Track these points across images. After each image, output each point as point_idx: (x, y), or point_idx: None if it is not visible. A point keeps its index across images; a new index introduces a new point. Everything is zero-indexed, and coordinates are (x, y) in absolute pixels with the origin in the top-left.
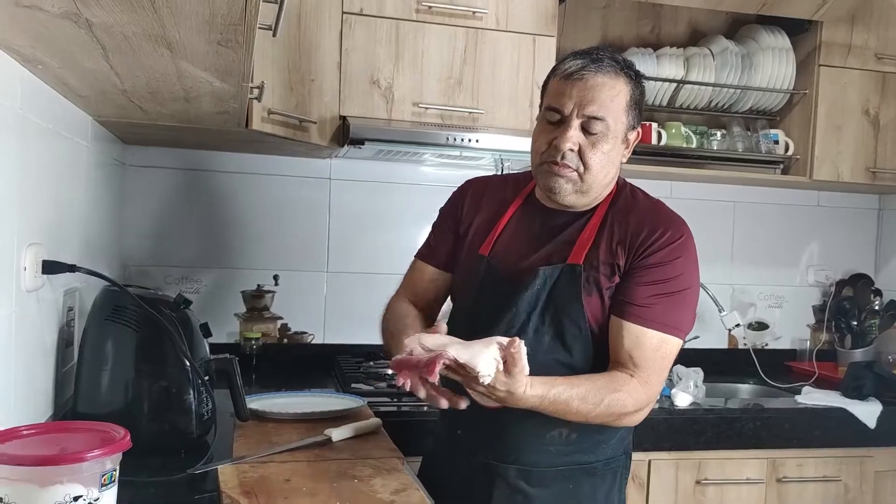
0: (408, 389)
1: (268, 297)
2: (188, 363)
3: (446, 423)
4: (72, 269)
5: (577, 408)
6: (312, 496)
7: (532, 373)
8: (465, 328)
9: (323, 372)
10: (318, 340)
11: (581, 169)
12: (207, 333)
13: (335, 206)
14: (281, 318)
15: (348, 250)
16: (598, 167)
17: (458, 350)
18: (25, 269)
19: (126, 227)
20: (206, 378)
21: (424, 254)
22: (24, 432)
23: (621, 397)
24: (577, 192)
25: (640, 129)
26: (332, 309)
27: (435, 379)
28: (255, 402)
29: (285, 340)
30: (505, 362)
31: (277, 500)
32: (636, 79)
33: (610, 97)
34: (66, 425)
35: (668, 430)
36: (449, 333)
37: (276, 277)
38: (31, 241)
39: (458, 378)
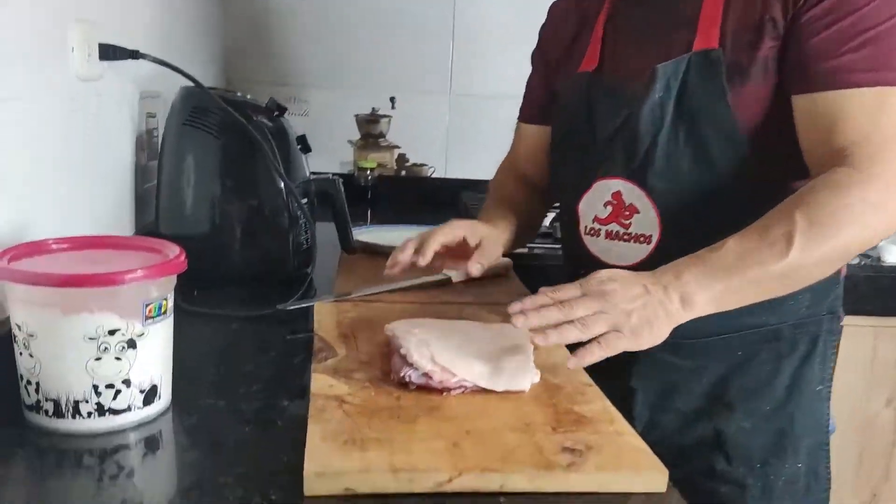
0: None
1: (384, 123)
2: (282, 181)
3: (568, 271)
4: (134, 55)
5: (771, 240)
6: None
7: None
8: (578, 176)
9: (447, 209)
10: (439, 174)
11: None
12: (306, 148)
13: (460, 17)
14: (398, 147)
15: (474, 69)
16: None
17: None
18: (74, 49)
19: (222, 36)
20: (305, 201)
21: (523, 111)
22: (54, 246)
23: (825, 196)
24: None
25: None
26: (455, 138)
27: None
28: (365, 234)
29: (403, 173)
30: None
31: (380, 346)
32: None
33: None
34: (108, 240)
35: (872, 290)
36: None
37: (392, 100)
38: (77, 15)
39: None
